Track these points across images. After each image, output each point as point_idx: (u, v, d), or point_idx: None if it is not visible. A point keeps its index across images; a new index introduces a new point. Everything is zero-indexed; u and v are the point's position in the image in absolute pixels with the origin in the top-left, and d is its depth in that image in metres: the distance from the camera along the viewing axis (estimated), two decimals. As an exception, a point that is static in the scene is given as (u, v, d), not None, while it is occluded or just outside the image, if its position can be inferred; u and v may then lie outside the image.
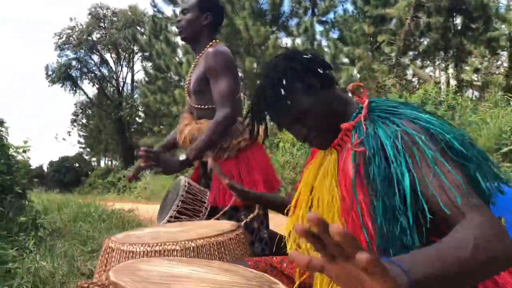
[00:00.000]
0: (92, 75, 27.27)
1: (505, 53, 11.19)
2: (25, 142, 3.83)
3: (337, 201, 0.90)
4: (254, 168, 1.76)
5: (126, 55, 26.94)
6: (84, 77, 27.15)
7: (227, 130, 1.74)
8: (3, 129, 3.61)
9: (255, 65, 11.82)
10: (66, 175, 26.43)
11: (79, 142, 31.09)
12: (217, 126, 1.70)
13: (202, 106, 1.83)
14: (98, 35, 26.00)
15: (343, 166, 0.90)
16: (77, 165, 28.60)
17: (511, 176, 4.08)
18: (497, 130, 4.90)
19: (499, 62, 11.46)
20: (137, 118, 25.13)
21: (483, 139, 4.88)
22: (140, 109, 23.39)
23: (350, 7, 13.73)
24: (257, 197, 1.29)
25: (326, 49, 12.04)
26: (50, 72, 25.81)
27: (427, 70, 12.88)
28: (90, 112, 29.82)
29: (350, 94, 1.14)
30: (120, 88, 27.14)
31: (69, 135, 37.48)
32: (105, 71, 27.63)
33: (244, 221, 1.56)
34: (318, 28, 12.92)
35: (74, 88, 26.82)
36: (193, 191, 1.76)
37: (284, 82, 0.89)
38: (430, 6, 10.69)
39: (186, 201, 1.71)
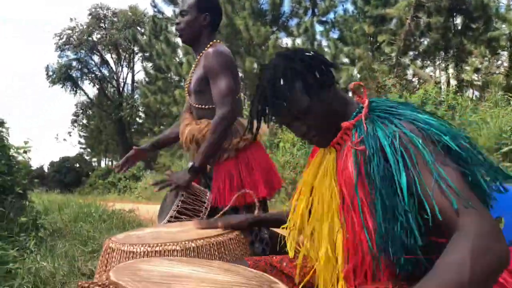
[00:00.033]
0: (93, 75, 27.29)
1: (505, 53, 11.18)
2: (26, 142, 3.84)
3: (336, 199, 0.90)
4: (254, 168, 1.76)
5: (127, 55, 26.96)
6: (84, 77, 27.18)
7: (228, 129, 1.74)
8: (3, 129, 3.61)
9: (255, 65, 11.81)
10: (67, 175, 26.43)
11: (79, 142, 31.15)
12: (218, 127, 1.70)
13: (203, 106, 1.83)
14: (99, 36, 26.03)
15: (343, 165, 0.90)
16: (77, 165, 28.60)
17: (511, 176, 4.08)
18: (497, 130, 4.90)
19: (499, 62, 11.45)
20: (137, 119, 25.16)
21: (483, 138, 4.88)
22: (140, 109, 23.42)
23: (350, 7, 13.73)
24: (252, 223, 1.32)
25: (326, 49, 12.03)
26: (50, 73, 25.84)
27: (427, 70, 12.88)
28: (91, 113, 29.84)
29: (350, 94, 1.14)
30: (121, 89, 27.15)
31: (70, 135, 37.60)
32: (105, 71, 27.67)
33: None
34: (318, 28, 12.94)
35: (75, 89, 26.85)
36: (193, 191, 1.76)
37: (283, 82, 0.89)
38: (430, 6, 10.68)
39: (186, 201, 1.71)
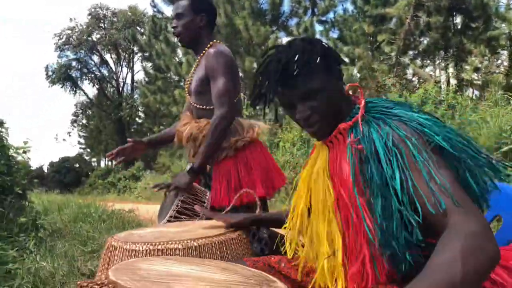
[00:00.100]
0: (92, 75, 27.30)
1: (505, 52, 11.19)
2: (25, 142, 3.84)
3: (331, 198, 0.90)
4: (253, 167, 1.76)
5: (126, 55, 26.96)
6: (84, 77, 27.19)
7: (226, 130, 1.74)
8: (3, 129, 3.61)
9: (255, 65, 11.81)
10: (66, 175, 26.44)
11: (79, 142, 31.15)
12: (216, 127, 1.70)
13: (203, 106, 1.83)
14: (98, 36, 26.03)
15: (338, 164, 0.90)
16: (77, 165, 28.61)
17: (510, 175, 4.09)
18: (497, 129, 4.90)
19: (499, 61, 11.46)
20: (137, 119, 25.17)
21: (483, 138, 4.88)
22: (140, 109, 23.42)
23: (350, 6, 13.73)
24: (252, 222, 1.33)
25: (326, 49, 12.01)
26: (50, 73, 25.85)
27: (427, 69, 12.89)
28: (90, 113, 29.84)
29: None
30: (120, 89, 27.16)
31: (69, 135, 37.64)
32: (105, 71, 27.69)
33: None
34: (318, 27, 12.95)
35: (74, 89, 26.86)
36: (193, 191, 1.76)
37: (300, 56, 0.89)
38: (430, 5, 10.69)
39: (186, 201, 1.71)
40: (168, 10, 17.35)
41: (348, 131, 0.90)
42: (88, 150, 31.68)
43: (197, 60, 1.89)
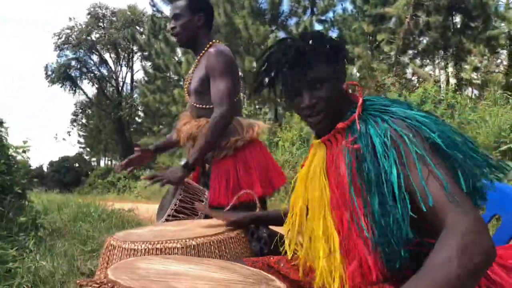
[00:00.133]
0: (92, 75, 27.28)
1: (504, 52, 11.21)
2: (25, 142, 3.83)
3: (327, 196, 0.91)
4: (252, 167, 1.77)
5: (126, 54, 26.94)
6: (83, 77, 27.16)
7: (225, 129, 1.74)
8: (2, 129, 3.61)
9: (254, 64, 11.81)
10: (66, 175, 26.44)
11: (79, 142, 31.15)
12: (215, 126, 1.70)
13: (203, 106, 1.83)
14: (97, 35, 26.01)
15: (335, 164, 0.91)
16: (77, 165, 28.61)
17: (510, 174, 4.09)
18: (496, 128, 4.90)
19: (499, 61, 11.48)
20: (136, 118, 25.14)
21: (482, 137, 4.89)
22: (139, 108, 23.39)
23: (349, 6, 13.75)
24: (252, 220, 1.34)
25: (325, 48, 12.02)
26: (49, 72, 25.82)
27: (427, 68, 12.89)
28: (90, 112, 29.83)
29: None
30: (120, 88, 27.14)
31: (69, 135, 37.61)
32: (104, 71, 27.66)
33: None
34: (317, 27, 12.95)
35: (74, 88, 26.83)
36: (191, 190, 1.77)
37: (314, 43, 0.90)
38: (429, 5, 10.69)
39: (184, 200, 1.72)
40: (168, 10, 17.31)
41: (346, 130, 0.90)
42: (88, 149, 31.69)
43: (196, 60, 1.89)
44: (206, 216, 1.68)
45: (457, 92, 7.78)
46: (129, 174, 2.10)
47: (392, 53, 10.93)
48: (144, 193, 13.44)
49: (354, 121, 0.89)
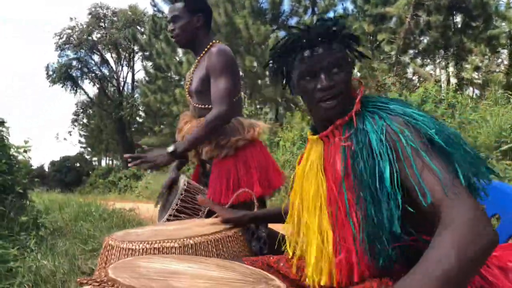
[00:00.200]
0: (93, 75, 27.31)
1: (505, 51, 11.19)
2: (26, 142, 3.85)
3: (324, 191, 0.91)
4: (252, 167, 1.77)
5: (127, 54, 26.96)
6: (84, 77, 27.19)
7: (220, 128, 1.74)
8: (4, 129, 3.62)
9: (255, 64, 11.82)
10: (67, 174, 26.48)
11: (80, 141, 31.20)
12: (210, 123, 1.70)
13: (204, 106, 1.83)
14: (99, 35, 26.03)
15: (332, 160, 0.91)
16: (78, 164, 28.65)
17: (511, 174, 4.09)
18: (497, 128, 4.90)
19: (499, 60, 11.47)
20: (137, 118, 25.16)
21: (483, 137, 4.88)
22: (140, 108, 23.40)
23: (350, 6, 13.73)
24: (253, 218, 1.34)
25: (326, 48, 12.01)
26: (50, 72, 25.86)
27: (427, 68, 12.89)
28: (91, 112, 29.86)
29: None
30: (121, 88, 27.16)
31: (70, 135, 37.67)
32: (105, 70, 27.68)
33: None
34: (318, 27, 12.89)
35: (75, 88, 26.88)
36: (192, 190, 1.77)
37: (336, 28, 0.92)
38: (430, 4, 10.68)
39: (185, 200, 1.72)
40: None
41: (343, 126, 0.91)
42: (89, 149, 31.73)
43: (196, 61, 1.89)
44: (208, 215, 1.69)
45: (458, 92, 7.78)
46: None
47: (393, 52, 10.92)
48: (145, 193, 13.45)
49: (352, 118, 0.90)
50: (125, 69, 27.56)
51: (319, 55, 0.90)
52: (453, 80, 11.12)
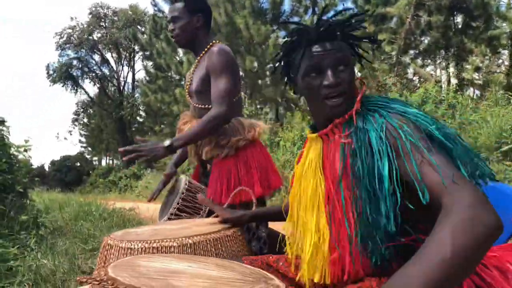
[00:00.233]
0: (93, 74, 27.33)
1: (506, 52, 11.18)
2: (26, 141, 3.85)
3: (322, 190, 0.91)
4: (252, 167, 1.77)
5: (127, 54, 26.97)
6: (85, 76, 27.23)
7: (219, 128, 1.74)
8: (4, 128, 3.62)
9: (255, 64, 11.83)
10: (68, 174, 26.50)
11: (80, 141, 31.19)
12: (209, 122, 1.70)
13: (205, 106, 1.83)
14: (99, 35, 26.05)
15: (331, 158, 0.91)
16: (78, 164, 28.67)
17: (511, 175, 4.09)
18: (498, 129, 4.90)
19: (500, 61, 11.45)
20: (138, 117, 25.18)
21: (483, 137, 4.89)
22: (141, 108, 23.42)
23: (350, 6, 13.73)
24: (252, 217, 1.33)
25: (327, 48, 12.02)
26: (51, 72, 25.88)
27: (428, 69, 12.88)
28: (91, 111, 29.88)
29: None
30: (121, 88, 27.18)
31: (71, 134, 37.62)
32: (106, 70, 27.71)
33: None
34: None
35: (75, 88, 26.92)
36: (193, 190, 1.78)
37: (346, 27, 0.93)
38: (431, 4, 10.68)
39: (186, 199, 1.73)
40: (169, 9, 17.31)
41: (343, 125, 0.91)
42: (89, 149, 31.73)
43: (197, 61, 1.89)
44: (209, 215, 1.69)
45: (458, 93, 7.77)
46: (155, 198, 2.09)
47: (394, 53, 10.92)
48: (145, 193, 13.46)
49: (352, 116, 0.90)
50: (126, 68, 27.60)
51: (327, 51, 0.90)
52: (454, 81, 11.11)
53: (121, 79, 27.40)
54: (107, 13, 25.99)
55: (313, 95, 0.93)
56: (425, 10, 10.87)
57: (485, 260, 0.78)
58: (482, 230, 0.62)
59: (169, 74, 15.11)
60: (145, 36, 16.92)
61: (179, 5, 1.84)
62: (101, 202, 6.16)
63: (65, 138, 49.29)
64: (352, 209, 0.83)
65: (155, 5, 16.06)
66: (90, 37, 25.55)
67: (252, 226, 1.70)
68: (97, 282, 0.69)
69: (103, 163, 31.41)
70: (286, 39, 0.97)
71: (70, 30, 25.69)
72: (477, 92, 11.09)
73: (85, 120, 30.72)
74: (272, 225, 1.73)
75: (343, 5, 13.91)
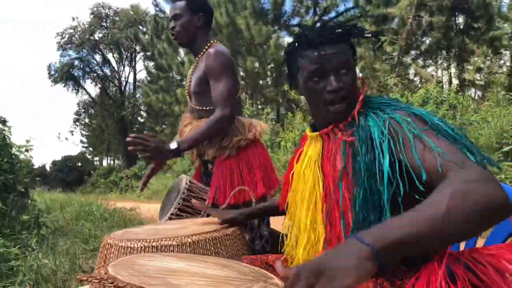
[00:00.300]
0: (95, 74, 27.37)
1: (507, 52, 11.18)
2: (28, 141, 3.85)
3: (320, 188, 0.92)
4: (254, 166, 1.78)
5: (128, 54, 27.01)
6: (86, 76, 27.27)
7: (223, 130, 1.75)
8: (6, 128, 3.63)
9: (256, 64, 11.84)
10: (69, 174, 26.55)
11: (81, 141, 31.24)
12: (214, 125, 1.71)
13: (203, 108, 1.84)
14: (100, 35, 26.08)
15: (332, 157, 0.92)
16: (79, 164, 28.72)
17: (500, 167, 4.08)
18: (499, 129, 4.90)
19: (502, 61, 11.45)
20: (139, 118, 25.23)
21: (484, 138, 4.88)
22: (142, 108, 23.47)
23: (352, 6, 13.72)
24: (249, 215, 1.33)
25: (327, 48, 12.03)
26: (52, 72, 25.93)
27: (429, 69, 12.88)
28: (93, 112, 29.92)
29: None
30: (122, 88, 27.21)
31: (72, 134, 37.60)
32: (107, 70, 27.75)
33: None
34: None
35: (77, 88, 26.95)
36: (194, 189, 1.78)
37: (352, 28, 0.93)
38: (432, 5, 10.67)
39: (187, 199, 1.73)
40: (171, 10, 17.35)
41: (346, 126, 0.91)
42: (91, 149, 31.77)
43: (196, 61, 1.90)
44: (209, 214, 1.70)
45: (460, 93, 7.77)
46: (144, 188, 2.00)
47: (395, 53, 10.91)
48: (146, 193, 13.47)
49: (354, 117, 0.90)
50: (127, 69, 27.67)
51: (329, 55, 0.90)
52: (455, 81, 11.11)
53: (123, 79, 27.47)
54: (109, 13, 26.05)
55: (316, 99, 0.93)
56: (427, 11, 10.86)
57: (482, 258, 0.78)
58: (482, 200, 0.60)
59: (171, 74, 15.13)
60: (146, 36, 16.95)
61: (181, 3, 1.85)
62: (102, 202, 6.17)
63: (67, 138, 49.32)
64: (350, 209, 0.83)
65: (156, 5, 16.09)
66: (92, 37, 25.59)
67: (254, 225, 1.71)
68: (97, 281, 0.69)
69: (104, 163, 31.48)
70: (289, 42, 0.98)
71: (71, 30, 25.76)
72: (479, 92, 11.09)
73: (87, 120, 30.77)
74: (274, 225, 1.73)
75: (344, 5, 13.92)
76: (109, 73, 27.78)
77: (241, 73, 12.18)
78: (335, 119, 0.92)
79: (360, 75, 11.09)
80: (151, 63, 17.97)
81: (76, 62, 26.59)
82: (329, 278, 0.55)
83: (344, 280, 0.54)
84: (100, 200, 6.47)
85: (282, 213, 1.13)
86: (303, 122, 9.00)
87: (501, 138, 4.80)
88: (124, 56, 27.18)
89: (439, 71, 13.14)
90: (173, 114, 14.37)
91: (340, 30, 0.91)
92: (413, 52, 12.22)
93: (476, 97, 9.76)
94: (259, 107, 12.82)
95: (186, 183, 1.79)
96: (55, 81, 25.91)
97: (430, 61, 12.78)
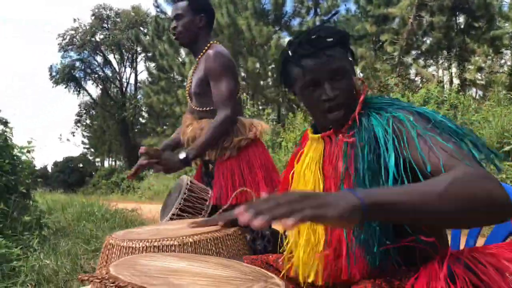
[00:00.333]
0: (96, 75, 27.40)
1: (508, 52, 11.17)
2: (29, 142, 3.86)
3: (320, 189, 0.92)
4: (255, 166, 1.78)
5: (130, 55, 27.03)
6: (87, 77, 27.31)
7: (227, 131, 1.76)
8: (7, 129, 3.64)
9: (257, 65, 11.84)
10: (70, 175, 26.57)
11: (83, 142, 31.27)
12: (219, 128, 1.72)
13: (204, 109, 1.84)
14: (102, 36, 26.12)
15: (334, 160, 0.91)
16: (81, 165, 28.74)
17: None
18: (500, 129, 4.89)
19: (503, 61, 11.44)
20: (140, 119, 25.25)
21: (485, 137, 4.88)
22: (143, 109, 23.48)
23: (352, 6, 13.76)
24: None
25: (328, 49, 12.03)
26: (54, 73, 25.97)
27: (430, 69, 12.87)
28: (94, 113, 29.95)
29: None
30: (124, 89, 27.23)
31: (73, 135, 37.72)
32: (108, 71, 27.76)
33: None
34: (320, 27, 12.91)
35: (78, 89, 26.99)
36: (195, 190, 1.78)
37: (338, 33, 0.91)
38: (433, 5, 10.67)
39: (188, 199, 1.73)
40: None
41: (348, 128, 0.91)
42: (92, 150, 31.79)
43: (196, 62, 1.90)
44: (210, 214, 1.70)
45: (461, 93, 7.76)
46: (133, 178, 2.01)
47: (396, 53, 10.91)
48: (147, 194, 13.49)
49: (354, 118, 0.90)
50: (128, 70, 27.71)
51: (322, 64, 0.89)
52: (456, 81, 11.09)
53: (124, 80, 27.48)
54: (110, 14, 26.08)
55: (313, 108, 0.93)
56: (427, 11, 10.86)
57: (482, 258, 0.78)
58: (482, 194, 0.61)
59: (172, 75, 15.14)
60: (147, 37, 16.96)
61: (183, 3, 1.85)
62: (104, 203, 6.17)
63: (68, 140, 49.53)
64: None
65: (157, 6, 16.14)
66: (93, 39, 25.62)
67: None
68: (98, 281, 0.70)
69: (106, 164, 31.52)
70: (282, 50, 0.98)
71: (72, 32, 25.79)
72: (480, 92, 11.07)
73: (88, 121, 30.80)
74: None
75: (345, 5, 13.93)
76: (110, 74, 27.81)
77: (242, 74, 12.19)
78: (334, 126, 0.92)
79: (361, 75, 11.09)
80: (152, 64, 17.98)
81: (78, 64, 26.63)
82: (315, 205, 0.56)
83: (328, 212, 0.55)
84: (101, 201, 6.47)
85: None
86: (304, 123, 8.99)
87: (502, 138, 4.79)
88: (125, 57, 27.20)
89: (440, 71, 13.14)
90: (174, 115, 14.37)
91: (329, 40, 0.89)
92: (414, 52, 12.21)
93: (477, 97, 9.74)
94: (260, 107, 12.82)
95: (187, 184, 1.79)
96: (57, 83, 25.95)
97: (431, 61, 12.77)
